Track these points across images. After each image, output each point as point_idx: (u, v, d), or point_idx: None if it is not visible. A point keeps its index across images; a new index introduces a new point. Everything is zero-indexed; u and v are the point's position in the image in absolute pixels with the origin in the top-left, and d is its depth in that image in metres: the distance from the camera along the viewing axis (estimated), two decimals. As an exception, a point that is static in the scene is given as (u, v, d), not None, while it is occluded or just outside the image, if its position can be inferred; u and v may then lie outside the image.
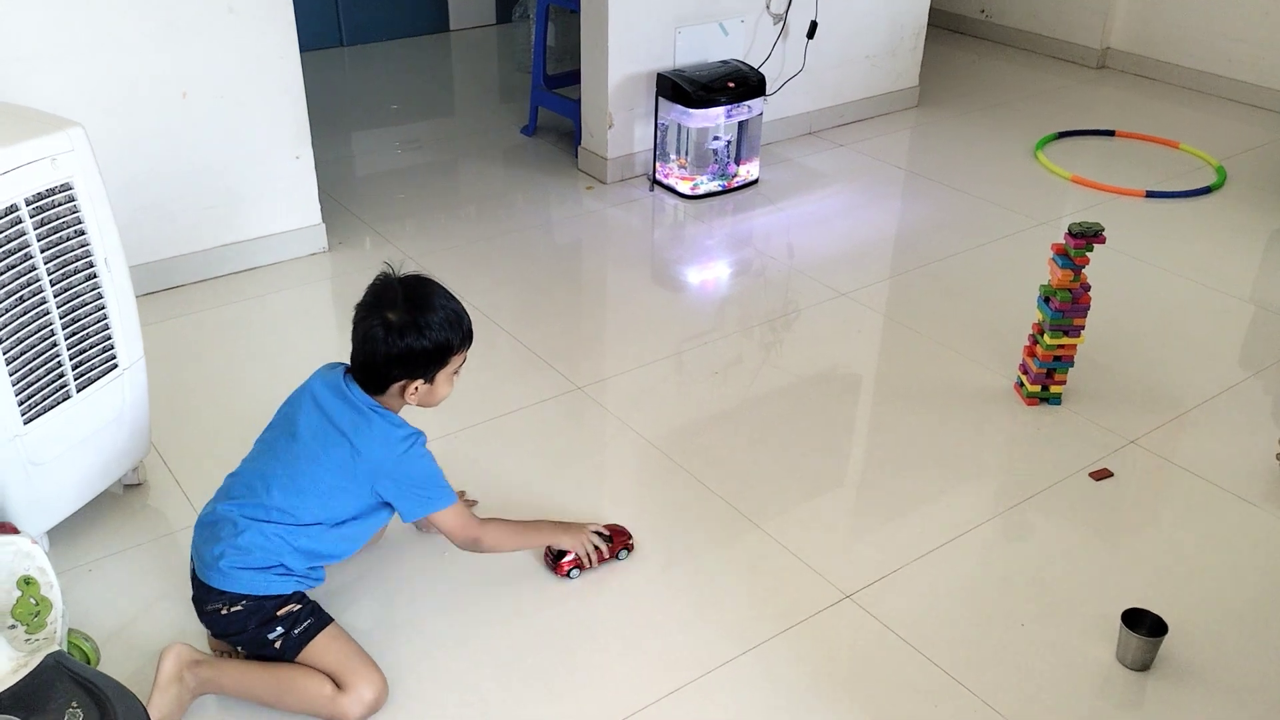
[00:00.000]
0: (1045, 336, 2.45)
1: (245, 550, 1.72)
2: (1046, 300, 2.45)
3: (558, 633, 1.90)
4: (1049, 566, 2.06)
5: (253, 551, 1.73)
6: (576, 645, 1.88)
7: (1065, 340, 2.45)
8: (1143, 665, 1.83)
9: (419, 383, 1.77)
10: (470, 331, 1.81)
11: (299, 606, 1.75)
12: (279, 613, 1.73)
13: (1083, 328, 2.45)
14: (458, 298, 1.81)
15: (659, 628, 1.91)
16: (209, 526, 1.79)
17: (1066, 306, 2.41)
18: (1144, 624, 1.84)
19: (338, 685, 1.70)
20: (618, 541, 2.04)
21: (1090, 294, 2.43)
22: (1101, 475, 2.30)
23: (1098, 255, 2.62)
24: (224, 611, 1.74)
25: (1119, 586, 2.01)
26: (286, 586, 1.75)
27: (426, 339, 1.73)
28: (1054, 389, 2.52)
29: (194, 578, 1.78)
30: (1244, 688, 1.81)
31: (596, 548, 2.00)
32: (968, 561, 2.08)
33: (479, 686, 1.79)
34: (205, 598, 1.76)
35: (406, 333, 1.72)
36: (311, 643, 1.73)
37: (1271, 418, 2.52)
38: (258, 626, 1.73)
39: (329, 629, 1.76)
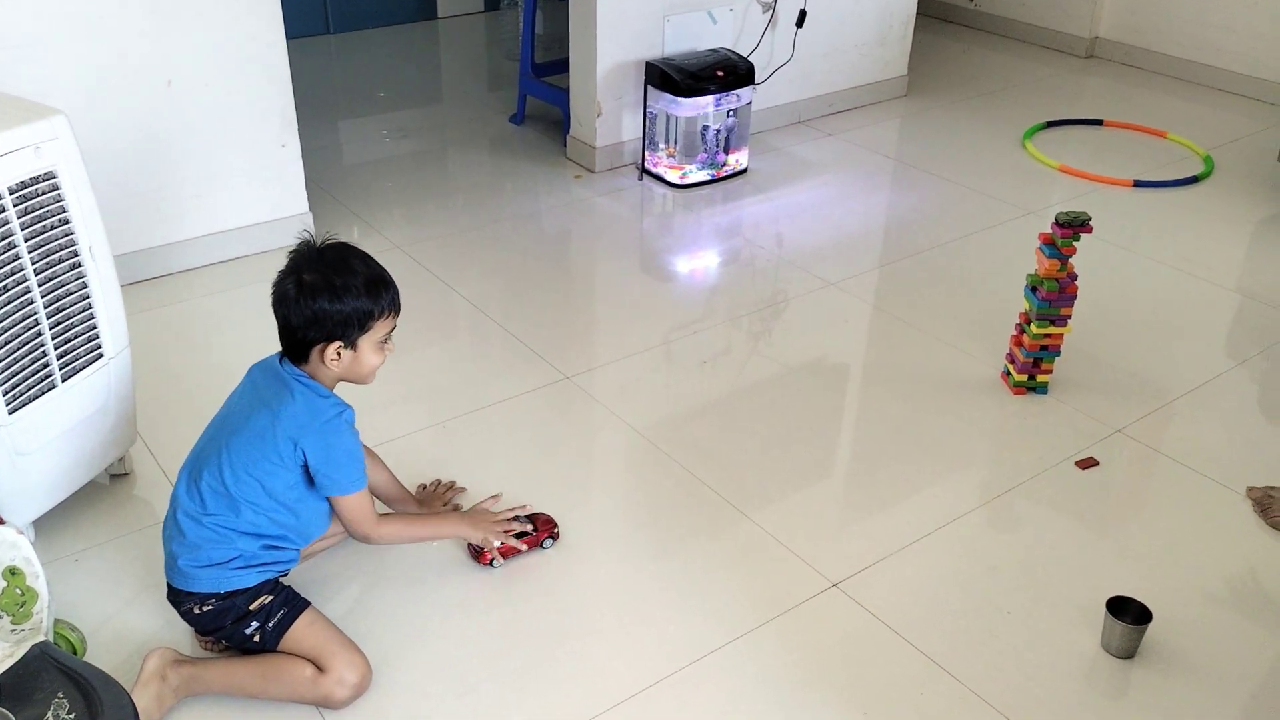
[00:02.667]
0: (1032, 326, 2.46)
1: (195, 547, 1.71)
2: (1033, 290, 2.45)
3: (546, 621, 1.90)
4: (1035, 555, 2.07)
5: (201, 547, 1.71)
6: (565, 633, 1.88)
7: (1052, 329, 2.46)
8: (1127, 653, 1.84)
9: (338, 345, 1.71)
10: (396, 299, 1.76)
11: (270, 598, 1.74)
12: (251, 608, 1.72)
13: (1069, 317, 2.46)
14: (383, 265, 1.76)
15: (648, 616, 1.91)
16: (166, 523, 1.79)
17: (1053, 296, 2.42)
18: (1129, 612, 1.85)
19: (320, 669, 1.70)
20: (543, 530, 2.02)
21: (1077, 284, 2.44)
22: (1088, 464, 2.31)
23: (1085, 244, 2.63)
24: (197, 611, 1.74)
25: (1104, 575, 2.02)
26: (249, 579, 1.73)
27: (342, 301, 1.68)
28: (1040, 378, 2.53)
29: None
30: (1227, 675, 1.83)
31: (518, 534, 1.98)
32: (954, 550, 2.08)
33: (467, 674, 1.79)
34: (176, 598, 1.76)
35: (319, 293, 1.68)
36: (289, 631, 1.73)
37: (1257, 406, 2.53)
38: (233, 624, 1.73)
39: (305, 614, 1.75)
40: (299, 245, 1.74)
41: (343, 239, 1.77)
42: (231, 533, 1.71)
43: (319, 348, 1.72)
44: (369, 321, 1.72)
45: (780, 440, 2.39)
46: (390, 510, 2.04)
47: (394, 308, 1.76)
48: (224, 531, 1.71)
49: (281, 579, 1.81)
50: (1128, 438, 2.40)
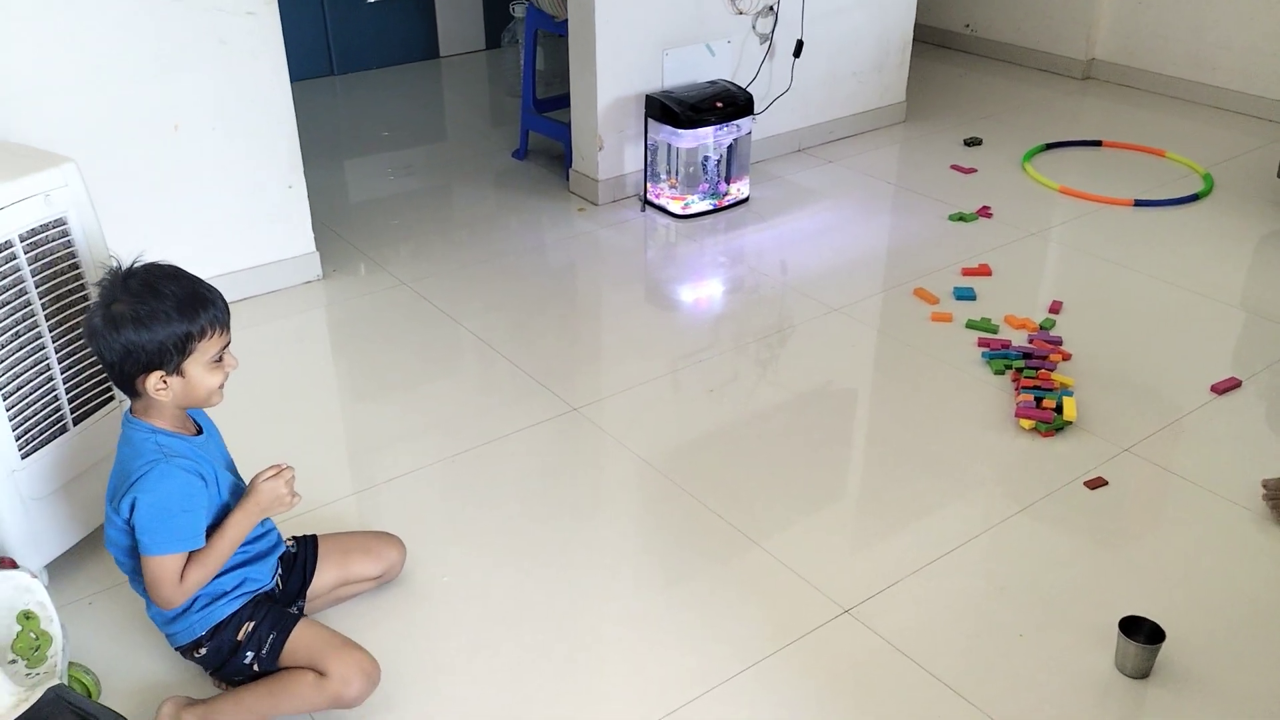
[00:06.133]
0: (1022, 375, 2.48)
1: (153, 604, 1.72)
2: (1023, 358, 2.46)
3: (557, 652, 1.90)
4: (1046, 576, 2.07)
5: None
6: (576, 664, 1.88)
7: (1041, 372, 2.48)
8: (1141, 673, 1.84)
9: (160, 374, 1.63)
10: (219, 315, 1.67)
11: (253, 624, 1.74)
12: (239, 638, 1.73)
13: (1056, 364, 2.47)
14: (201, 278, 1.69)
15: (659, 646, 1.91)
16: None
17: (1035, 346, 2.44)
18: (1142, 631, 1.84)
19: (320, 674, 1.69)
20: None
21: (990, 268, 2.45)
22: (1096, 484, 2.31)
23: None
24: (197, 655, 1.76)
25: (1116, 594, 2.01)
26: (221, 612, 1.73)
27: (150, 329, 1.60)
28: (1060, 419, 2.47)
29: None
30: (1242, 694, 1.82)
31: None
32: (965, 573, 2.08)
33: (479, 707, 1.79)
34: (177, 650, 1.78)
35: (123, 325, 1.59)
36: (285, 650, 1.72)
37: (1265, 422, 2.53)
38: (230, 656, 1.73)
39: (298, 629, 1.74)
40: (106, 274, 1.67)
41: (156, 259, 1.68)
42: None
43: (140, 379, 1.64)
44: (188, 345, 1.64)
45: (788, 466, 2.39)
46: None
47: (218, 324, 1.67)
48: None
49: (264, 598, 1.80)
50: (1136, 456, 2.40)
